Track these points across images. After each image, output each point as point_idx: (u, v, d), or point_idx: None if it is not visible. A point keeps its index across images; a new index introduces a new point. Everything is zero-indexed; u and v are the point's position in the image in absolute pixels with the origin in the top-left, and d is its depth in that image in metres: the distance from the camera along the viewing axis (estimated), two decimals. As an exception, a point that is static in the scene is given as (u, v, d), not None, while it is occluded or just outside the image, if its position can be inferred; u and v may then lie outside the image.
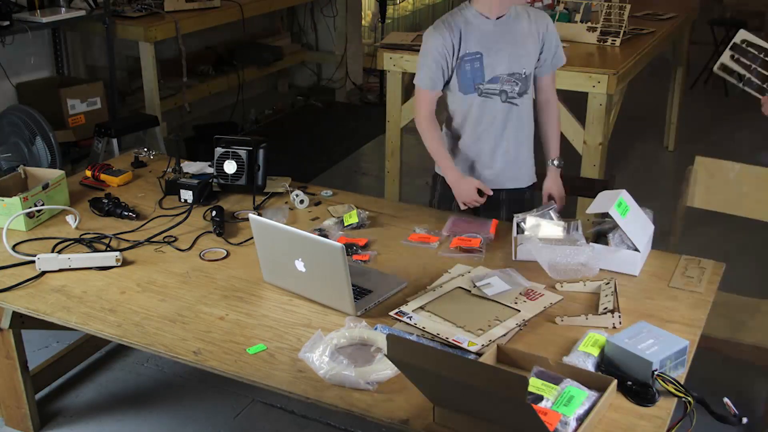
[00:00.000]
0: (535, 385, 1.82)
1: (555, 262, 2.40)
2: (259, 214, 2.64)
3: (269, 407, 3.03)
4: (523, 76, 2.83)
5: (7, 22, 4.07)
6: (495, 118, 2.84)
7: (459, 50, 2.78)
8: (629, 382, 1.85)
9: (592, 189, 3.20)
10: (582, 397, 1.77)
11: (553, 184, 2.93)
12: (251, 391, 3.04)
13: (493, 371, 1.68)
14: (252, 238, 2.47)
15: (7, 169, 3.84)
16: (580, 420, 1.71)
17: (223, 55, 6.06)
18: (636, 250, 2.45)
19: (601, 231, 2.56)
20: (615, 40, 4.15)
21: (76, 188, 3.10)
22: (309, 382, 1.97)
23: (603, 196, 2.58)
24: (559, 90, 3.74)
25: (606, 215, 2.50)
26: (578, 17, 4.30)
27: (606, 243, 2.50)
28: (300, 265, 2.26)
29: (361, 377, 1.94)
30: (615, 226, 2.49)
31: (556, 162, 2.92)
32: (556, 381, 1.83)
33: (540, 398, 1.78)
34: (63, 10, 4.45)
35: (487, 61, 2.79)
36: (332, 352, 2.02)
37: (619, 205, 2.48)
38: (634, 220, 2.50)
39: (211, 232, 2.75)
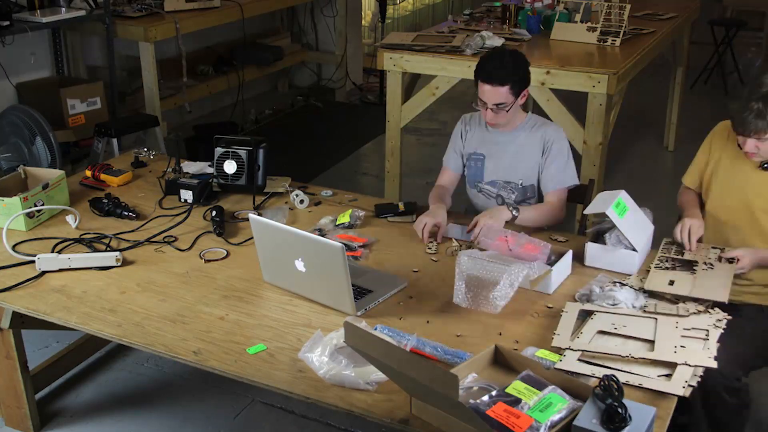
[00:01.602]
0: (516, 388, 1.82)
1: (472, 273, 2.25)
2: (259, 214, 2.64)
3: (269, 407, 3.03)
4: (520, 186, 2.94)
5: (7, 22, 4.07)
6: None
7: (464, 145, 3.03)
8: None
9: (570, 193, 3.20)
10: (561, 404, 1.76)
11: (487, 214, 2.72)
12: (251, 391, 3.04)
13: (427, 366, 1.69)
14: (252, 238, 2.47)
15: (7, 169, 3.84)
16: (553, 426, 1.71)
17: (223, 55, 6.06)
18: (634, 250, 2.45)
19: (601, 230, 2.56)
20: (615, 40, 4.15)
21: (76, 188, 3.10)
22: (309, 382, 1.97)
23: (602, 196, 2.57)
24: (559, 90, 3.77)
25: (605, 215, 2.50)
26: (578, 17, 4.30)
27: (603, 243, 2.50)
28: (300, 265, 2.26)
29: (360, 377, 1.94)
30: (614, 226, 2.48)
31: (512, 209, 2.74)
32: (541, 386, 1.82)
33: (518, 401, 1.78)
34: (63, 10, 4.45)
35: (488, 164, 2.97)
36: (332, 352, 2.02)
37: (617, 206, 2.47)
38: (633, 221, 2.50)
39: (211, 232, 2.75)
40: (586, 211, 2.60)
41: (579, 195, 3.06)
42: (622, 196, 2.52)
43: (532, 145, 2.92)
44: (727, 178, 2.67)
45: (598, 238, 2.54)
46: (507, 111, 2.82)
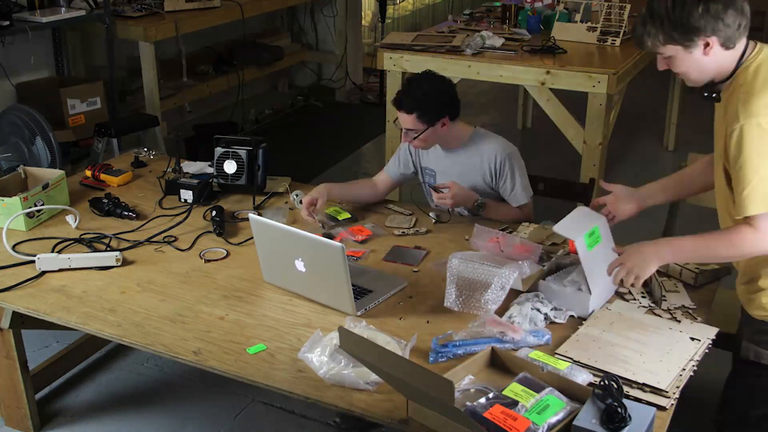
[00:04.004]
0: (514, 390, 1.82)
1: (463, 275, 2.23)
2: (259, 214, 2.64)
3: (269, 407, 3.03)
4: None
5: (7, 22, 4.07)
6: None
7: (418, 160, 2.98)
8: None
9: (572, 191, 3.15)
10: (559, 407, 1.76)
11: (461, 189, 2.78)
12: (251, 391, 3.04)
13: (422, 372, 1.69)
14: (252, 238, 2.47)
15: (7, 169, 3.83)
16: (551, 428, 1.71)
17: (223, 55, 6.06)
18: (589, 291, 2.19)
19: (560, 265, 2.36)
20: (615, 40, 4.15)
21: (76, 188, 3.10)
22: (309, 382, 1.97)
23: (580, 213, 2.31)
24: (559, 90, 3.78)
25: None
26: (578, 17, 4.30)
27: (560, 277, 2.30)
28: (300, 265, 2.26)
29: (360, 377, 1.94)
30: (571, 263, 2.28)
31: (480, 202, 2.78)
32: (539, 389, 1.82)
33: (515, 403, 1.78)
34: (63, 10, 4.45)
35: (439, 180, 2.91)
36: (331, 352, 2.02)
37: (591, 235, 2.20)
38: (600, 256, 2.21)
39: (211, 232, 2.75)
40: (556, 229, 2.26)
41: (580, 194, 3.06)
42: (601, 225, 2.25)
43: (475, 165, 2.85)
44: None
45: (556, 271, 2.33)
46: (415, 138, 2.77)
